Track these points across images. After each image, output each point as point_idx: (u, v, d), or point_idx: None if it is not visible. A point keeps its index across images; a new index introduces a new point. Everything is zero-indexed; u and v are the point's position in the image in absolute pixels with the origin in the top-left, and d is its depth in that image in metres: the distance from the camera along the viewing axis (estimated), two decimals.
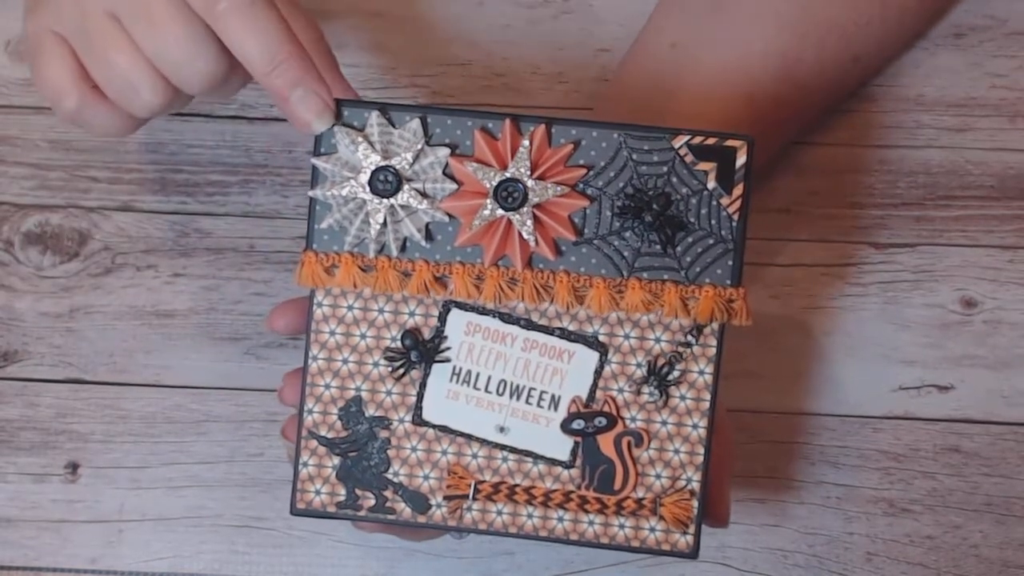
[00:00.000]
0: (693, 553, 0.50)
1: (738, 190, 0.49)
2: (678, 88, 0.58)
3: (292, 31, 0.47)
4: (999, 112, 0.64)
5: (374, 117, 0.49)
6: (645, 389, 0.50)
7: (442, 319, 0.50)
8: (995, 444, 0.64)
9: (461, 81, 0.65)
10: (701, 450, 0.50)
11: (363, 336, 0.50)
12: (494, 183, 0.49)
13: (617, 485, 0.50)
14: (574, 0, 0.65)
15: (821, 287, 0.64)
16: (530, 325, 0.50)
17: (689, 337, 0.50)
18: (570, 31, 0.65)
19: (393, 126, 0.49)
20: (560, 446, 0.50)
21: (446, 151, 0.49)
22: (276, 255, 0.65)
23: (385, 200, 0.49)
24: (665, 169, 0.49)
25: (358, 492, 0.51)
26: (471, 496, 0.51)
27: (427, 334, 0.50)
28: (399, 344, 0.50)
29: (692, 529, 0.50)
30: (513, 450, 0.50)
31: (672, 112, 0.58)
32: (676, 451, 0.50)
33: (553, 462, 0.50)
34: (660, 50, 0.60)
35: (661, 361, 0.50)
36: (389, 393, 0.51)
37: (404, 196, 0.49)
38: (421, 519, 0.51)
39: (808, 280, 0.64)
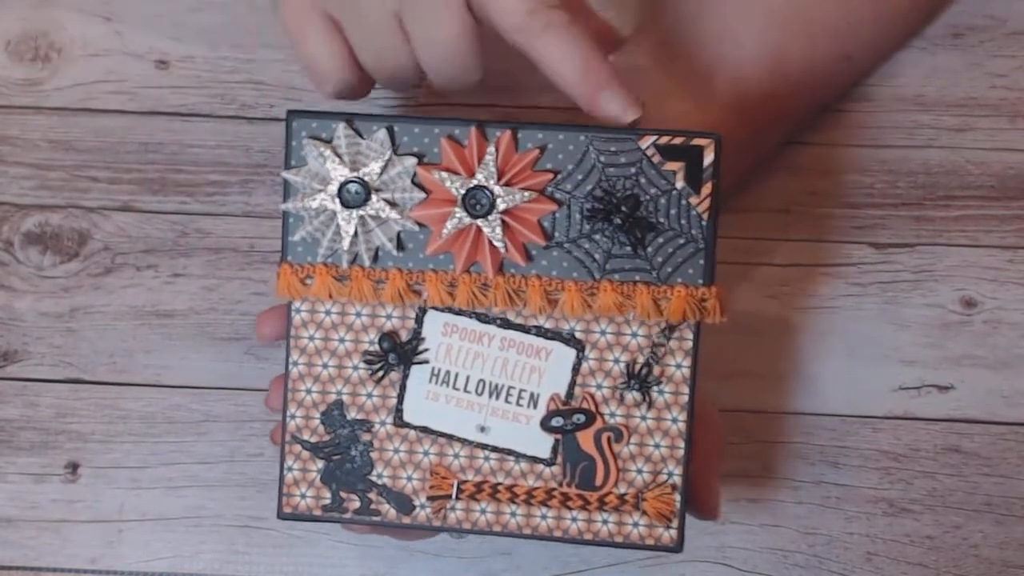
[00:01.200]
0: (677, 547, 0.50)
1: (707, 189, 0.49)
2: (667, 85, 0.58)
3: (595, 43, 0.49)
4: (999, 112, 0.64)
5: (341, 129, 0.49)
6: (628, 395, 0.50)
7: (419, 321, 0.50)
8: (995, 444, 0.64)
9: None
10: (682, 444, 0.50)
11: (341, 340, 0.51)
12: (462, 191, 0.49)
13: (598, 481, 0.51)
14: None
15: (820, 287, 0.64)
16: (507, 324, 0.50)
17: (662, 337, 0.50)
18: None
19: (361, 136, 0.49)
20: (541, 444, 0.51)
21: (413, 160, 0.49)
22: (276, 255, 0.65)
23: (355, 211, 0.49)
24: (633, 170, 0.49)
25: (343, 495, 0.51)
26: (454, 496, 0.51)
27: (404, 336, 0.50)
28: (377, 347, 0.50)
29: (675, 523, 0.50)
30: (494, 449, 0.51)
31: (661, 109, 0.58)
32: (656, 446, 0.50)
33: (534, 460, 0.51)
34: (650, 48, 0.60)
35: (640, 362, 0.50)
36: (370, 396, 0.51)
37: (373, 206, 0.49)
38: (406, 520, 0.51)
39: (807, 280, 0.64)
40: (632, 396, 0.50)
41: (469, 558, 0.64)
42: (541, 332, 0.50)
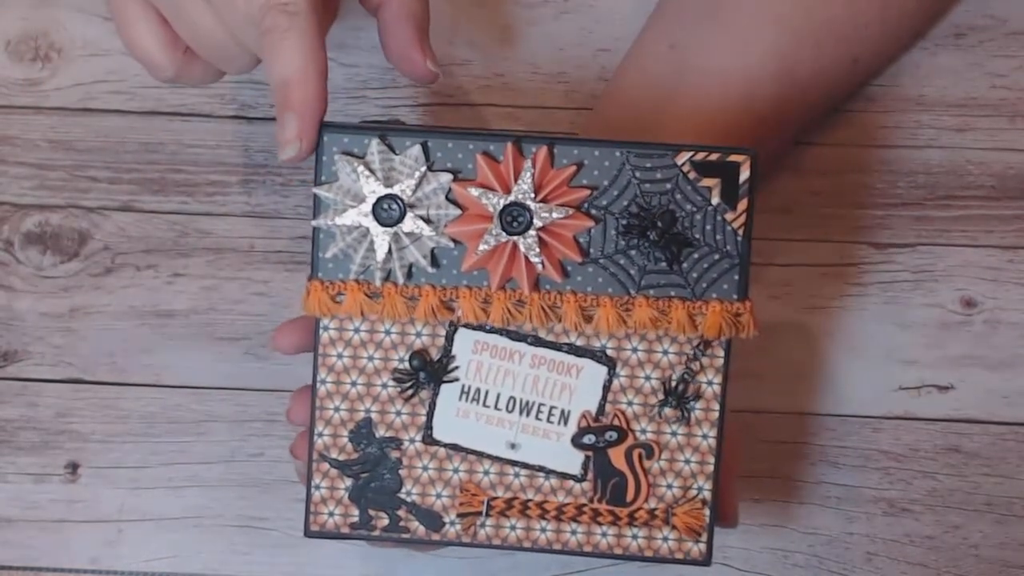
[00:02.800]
0: (706, 560, 0.51)
1: (742, 205, 0.49)
2: (677, 89, 0.58)
3: (319, 67, 0.48)
4: (999, 112, 0.64)
5: (374, 144, 0.48)
6: (665, 411, 0.50)
7: (449, 339, 0.50)
8: (995, 444, 0.64)
9: (461, 81, 0.65)
10: (711, 459, 0.50)
11: (371, 358, 0.50)
12: (498, 208, 0.48)
13: (629, 497, 0.51)
14: (574, 0, 0.65)
15: (821, 287, 0.64)
16: (538, 341, 0.50)
17: (696, 352, 0.50)
18: (570, 31, 0.65)
19: (394, 152, 0.49)
20: (571, 460, 0.50)
21: (448, 177, 0.48)
22: (276, 255, 0.65)
23: (389, 228, 0.49)
24: (669, 186, 0.49)
25: (371, 512, 0.51)
26: (484, 513, 0.51)
27: (435, 354, 0.50)
28: (407, 365, 0.50)
29: (704, 537, 0.51)
30: (525, 466, 0.51)
31: (671, 113, 0.58)
32: (687, 461, 0.50)
33: (565, 476, 0.51)
34: (659, 51, 0.60)
35: (675, 379, 0.50)
36: (399, 414, 0.51)
37: (408, 223, 0.49)
38: (435, 537, 0.51)
39: (808, 280, 0.64)
40: (667, 412, 0.50)
41: (470, 558, 0.64)
42: (572, 349, 0.50)
